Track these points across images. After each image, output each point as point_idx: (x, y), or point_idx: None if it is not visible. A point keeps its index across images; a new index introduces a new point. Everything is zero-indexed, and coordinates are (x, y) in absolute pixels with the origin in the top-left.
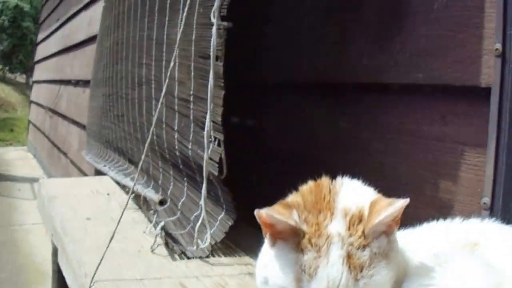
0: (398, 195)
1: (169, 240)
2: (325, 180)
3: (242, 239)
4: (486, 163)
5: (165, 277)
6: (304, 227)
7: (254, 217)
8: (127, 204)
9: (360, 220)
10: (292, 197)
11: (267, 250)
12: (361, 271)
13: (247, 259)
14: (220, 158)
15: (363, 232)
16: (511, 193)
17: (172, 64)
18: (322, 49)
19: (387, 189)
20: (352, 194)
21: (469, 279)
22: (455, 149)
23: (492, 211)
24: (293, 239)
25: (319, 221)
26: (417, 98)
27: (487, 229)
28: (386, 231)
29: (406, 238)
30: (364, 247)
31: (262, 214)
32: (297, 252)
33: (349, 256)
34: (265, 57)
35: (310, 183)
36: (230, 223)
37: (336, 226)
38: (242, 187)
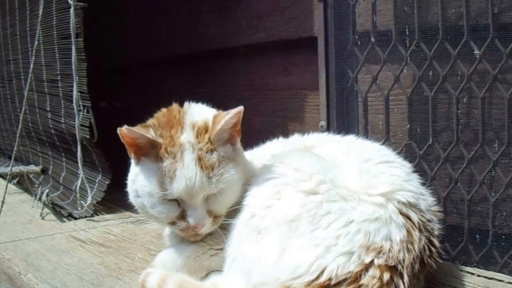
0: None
1: (56, 206)
2: (175, 105)
3: (120, 201)
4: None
5: (56, 233)
6: (160, 140)
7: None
8: (9, 177)
9: (206, 130)
10: (148, 121)
11: (133, 168)
12: (212, 170)
13: (127, 213)
14: (91, 124)
15: (209, 139)
16: (341, 115)
17: (36, 43)
18: (174, 25)
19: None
20: (198, 112)
21: (303, 166)
22: (298, 95)
23: (328, 131)
24: (152, 152)
25: (172, 134)
26: (262, 56)
27: (321, 137)
28: (231, 140)
29: (251, 151)
30: (212, 151)
31: (123, 130)
32: (158, 162)
33: (200, 159)
34: (126, 42)
35: (163, 109)
36: (107, 182)
37: (186, 137)
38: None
